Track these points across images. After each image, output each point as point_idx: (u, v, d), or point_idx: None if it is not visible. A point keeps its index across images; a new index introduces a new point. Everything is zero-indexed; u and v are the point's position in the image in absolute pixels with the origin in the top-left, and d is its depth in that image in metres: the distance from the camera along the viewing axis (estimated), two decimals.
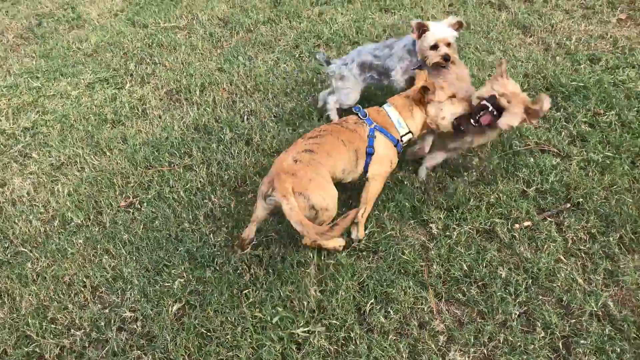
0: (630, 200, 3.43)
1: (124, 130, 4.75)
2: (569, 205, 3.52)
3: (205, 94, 5.05)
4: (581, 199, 3.51)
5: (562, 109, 4.28)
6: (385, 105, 3.54)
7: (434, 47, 3.75)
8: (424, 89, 3.38)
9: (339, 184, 3.25)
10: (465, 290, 3.12)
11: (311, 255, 3.37)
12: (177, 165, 4.30)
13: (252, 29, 6.04)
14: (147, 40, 6.06)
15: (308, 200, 3.03)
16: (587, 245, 3.27)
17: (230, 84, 5.16)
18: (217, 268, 3.40)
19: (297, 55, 5.44)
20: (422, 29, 3.78)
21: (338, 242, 3.39)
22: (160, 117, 4.86)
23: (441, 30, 3.76)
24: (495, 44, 5.14)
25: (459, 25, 3.82)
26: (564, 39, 5.07)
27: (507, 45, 5.09)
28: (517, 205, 3.53)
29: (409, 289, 3.14)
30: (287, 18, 6.03)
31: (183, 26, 6.30)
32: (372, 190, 3.42)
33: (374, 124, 3.39)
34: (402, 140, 3.45)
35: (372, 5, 6.05)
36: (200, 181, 4.10)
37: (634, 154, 3.80)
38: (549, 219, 3.47)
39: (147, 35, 6.17)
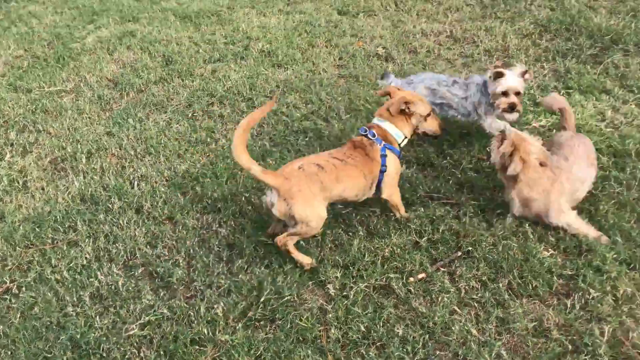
0: (515, 245, 3.55)
1: (2, 207, 4.41)
2: (459, 253, 3.60)
3: (93, 161, 4.83)
4: (470, 247, 3.60)
5: (448, 157, 4.42)
6: (377, 120, 3.82)
7: (505, 93, 4.07)
8: (406, 103, 3.70)
9: None
10: (364, 353, 3.07)
11: (206, 332, 3.22)
12: (60, 241, 4.03)
13: (143, 89, 5.89)
14: (31, 106, 5.76)
15: (290, 208, 3.33)
16: (479, 294, 3.33)
17: (120, 149, 4.97)
18: (104, 355, 3.16)
19: (190, 115, 5.34)
20: (498, 75, 4.08)
21: (307, 260, 3.58)
22: (43, 189, 4.58)
23: (513, 79, 4.05)
24: None
25: (524, 74, 4.11)
26: None
27: None
28: (410, 258, 3.56)
29: (308, 358, 3.05)
30: (179, 77, 5.94)
31: (70, 89, 6.06)
32: (395, 200, 3.80)
33: (383, 143, 3.68)
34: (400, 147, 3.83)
35: (265, 61, 6.09)
36: (85, 257, 3.86)
37: None
38: (442, 269, 3.52)
39: (30, 101, 5.87)
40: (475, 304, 3.29)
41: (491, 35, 6.03)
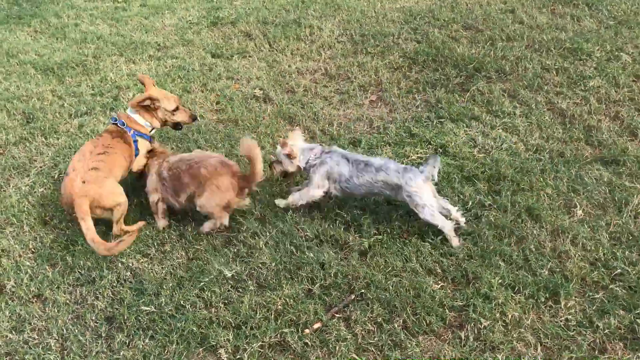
0: (406, 282, 3.54)
1: None
2: (353, 296, 3.53)
3: None
4: (363, 289, 3.54)
5: (334, 197, 4.38)
6: (129, 111, 4.48)
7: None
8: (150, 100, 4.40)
9: None
10: None
11: None
12: None
13: (1, 151, 5.36)
14: None
15: (104, 207, 3.98)
16: (376, 337, 3.27)
17: None
18: None
19: (56, 176, 4.91)
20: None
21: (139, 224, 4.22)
22: None
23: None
24: (264, 137, 5.18)
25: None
26: (327, 125, 5.31)
27: (276, 138, 5.16)
28: (304, 308, 3.44)
29: None
30: (42, 135, 5.48)
31: None
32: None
33: (132, 130, 4.40)
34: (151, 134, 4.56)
35: None
36: None
37: (402, 231, 3.99)
38: (337, 316, 3.42)
39: None
40: (373, 349, 3.22)
41: (364, 70, 6.17)
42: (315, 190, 4.12)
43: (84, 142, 5.25)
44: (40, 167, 5.06)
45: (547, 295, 3.40)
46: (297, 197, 4.20)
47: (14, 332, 3.50)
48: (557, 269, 3.57)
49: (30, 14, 8.46)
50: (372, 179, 3.91)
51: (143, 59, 6.85)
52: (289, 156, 4.16)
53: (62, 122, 5.67)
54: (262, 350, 3.22)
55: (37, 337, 3.47)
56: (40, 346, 3.40)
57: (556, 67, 5.71)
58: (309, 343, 3.25)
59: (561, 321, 3.26)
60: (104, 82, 6.36)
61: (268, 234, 4.06)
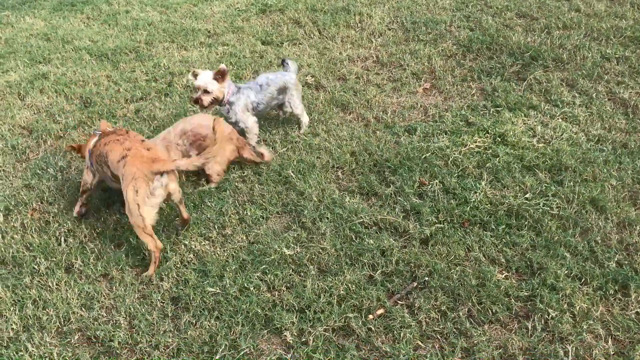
0: (470, 270, 3.52)
1: None
2: (415, 284, 3.52)
3: (11, 219, 4.41)
4: (426, 277, 3.53)
5: (391, 184, 4.38)
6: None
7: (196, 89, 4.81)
8: None
9: None
10: None
11: None
12: None
13: (61, 135, 5.50)
14: None
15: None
16: (441, 325, 3.26)
17: (41, 202, 4.58)
18: None
19: None
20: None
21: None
22: None
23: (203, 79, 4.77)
24: (318, 124, 5.20)
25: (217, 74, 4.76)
26: (381, 112, 5.29)
27: (330, 125, 5.17)
28: (367, 294, 3.45)
29: None
30: (100, 119, 5.59)
31: None
32: None
33: None
34: None
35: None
36: (12, 328, 3.48)
37: (462, 220, 3.97)
38: (400, 302, 3.42)
39: None
40: (438, 336, 3.21)
41: (416, 58, 6.11)
42: (252, 123, 4.88)
43: (141, 126, 5.37)
44: None
45: (616, 287, 3.33)
46: (251, 138, 4.87)
47: (84, 308, 3.60)
48: (626, 262, 3.49)
49: (82, 1, 8.64)
50: (270, 93, 4.90)
51: (194, 45, 6.93)
52: (222, 77, 4.72)
53: (119, 107, 5.78)
54: (326, 334, 3.25)
55: (105, 314, 3.57)
56: (110, 323, 3.49)
57: (617, 56, 5.56)
58: (373, 329, 3.26)
59: (632, 314, 3.19)
60: (157, 68, 6.46)
61: (327, 219, 4.08)
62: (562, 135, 4.65)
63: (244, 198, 4.43)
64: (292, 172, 4.59)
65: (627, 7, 6.44)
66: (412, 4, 7.33)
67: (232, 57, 6.55)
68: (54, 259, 3.98)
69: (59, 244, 4.13)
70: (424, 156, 4.60)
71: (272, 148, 4.93)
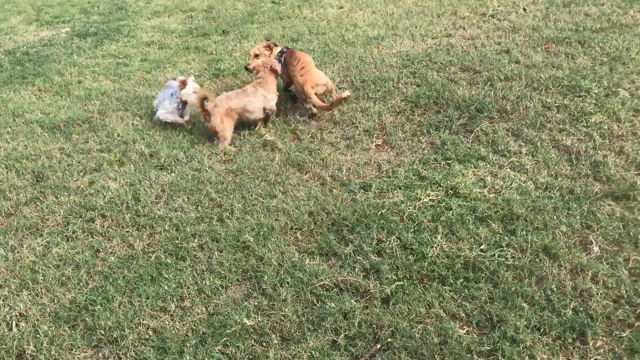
0: (432, 328, 3.53)
1: None
2: (379, 345, 3.51)
3: None
4: (389, 338, 3.52)
5: (350, 243, 4.40)
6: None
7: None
8: None
9: None
10: None
11: None
12: None
13: (12, 212, 5.37)
14: None
15: None
16: None
17: None
18: None
19: (69, 235, 4.91)
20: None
21: None
22: None
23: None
24: (275, 186, 5.23)
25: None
26: (336, 171, 5.37)
27: (287, 186, 5.21)
28: None
29: None
30: (53, 194, 5.50)
31: None
32: None
33: None
34: None
35: (147, 165, 5.84)
36: None
37: (421, 275, 4.00)
38: None
39: None
40: None
41: (367, 115, 6.27)
42: None
43: (95, 199, 5.30)
44: (53, 226, 5.07)
45: (574, 335, 3.39)
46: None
47: None
48: (581, 308, 3.57)
49: (34, 73, 8.59)
50: None
51: (147, 113, 6.94)
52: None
53: (72, 180, 5.70)
54: None
55: None
56: None
57: (557, 104, 5.83)
58: None
59: None
60: (111, 138, 6.42)
61: (287, 284, 4.06)
62: (511, 184, 4.80)
63: (202, 267, 4.37)
64: (250, 236, 4.58)
65: (562, 58, 6.80)
66: (361, 63, 7.57)
67: (188, 123, 6.58)
68: (4, 346, 3.81)
69: (10, 330, 3.97)
70: (380, 212, 4.67)
71: (230, 213, 4.92)
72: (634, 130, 5.27)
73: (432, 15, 9.12)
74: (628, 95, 5.79)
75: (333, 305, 3.80)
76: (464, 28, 8.37)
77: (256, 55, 6.75)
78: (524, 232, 4.23)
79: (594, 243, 4.08)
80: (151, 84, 7.80)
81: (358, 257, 4.24)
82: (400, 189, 5.00)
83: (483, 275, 3.92)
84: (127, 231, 4.89)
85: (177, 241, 4.67)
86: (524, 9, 8.74)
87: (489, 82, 6.50)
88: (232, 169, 5.62)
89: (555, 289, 3.74)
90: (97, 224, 5.01)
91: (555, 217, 4.36)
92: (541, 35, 7.57)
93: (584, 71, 6.39)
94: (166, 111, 6.53)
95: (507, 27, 8.09)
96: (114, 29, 10.61)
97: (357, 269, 4.14)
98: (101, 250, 4.71)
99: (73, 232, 4.94)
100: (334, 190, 5.09)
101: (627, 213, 4.31)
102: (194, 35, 9.82)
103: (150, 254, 4.59)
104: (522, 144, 5.35)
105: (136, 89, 7.68)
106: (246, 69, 6.80)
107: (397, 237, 4.39)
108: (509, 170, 5.00)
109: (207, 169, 5.64)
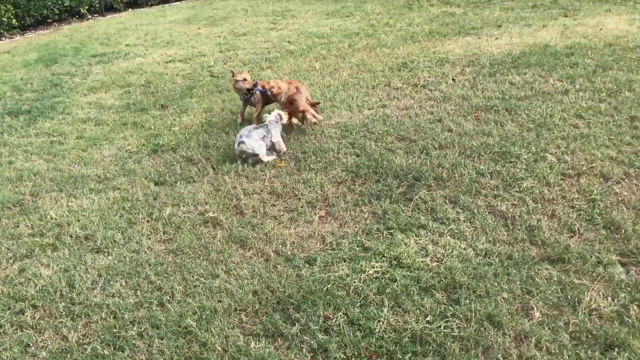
0: None
1: None
2: None
3: None
4: None
5: (296, 322, 4.31)
6: None
7: None
8: None
9: None
10: None
11: None
12: None
13: None
14: None
15: None
16: None
17: None
18: None
19: None
20: None
21: None
22: None
23: None
24: (217, 265, 5.11)
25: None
26: (280, 245, 5.32)
27: (230, 264, 5.10)
28: None
29: None
30: None
31: None
32: None
33: None
34: None
35: (82, 248, 5.60)
36: None
37: (370, 352, 3.94)
38: None
39: None
40: None
41: (309, 186, 6.31)
42: None
43: (26, 288, 5.01)
44: None
45: None
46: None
47: None
48: None
49: None
50: None
51: (84, 193, 6.74)
52: None
53: (0, 268, 5.38)
54: None
55: None
56: None
57: (490, 171, 6.07)
58: None
59: None
60: (44, 221, 6.16)
61: None
62: (452, 252, 4.88)
63: (142, 357, 4.15)
64: (192, 320, 4.41)
65: (492, 125, 7.15)
66: (301, 134, 7.69)
67: (125, 201, 6.43)
68: None
69: None
70: (326, 288, 4.62)
71: (171, 296, 4.75)
72: (563, 193, 5.53)
73: (367, 87, 9.46)
74: (555, 159, 6.10)
75: None
76: (397, 98, 8.71)
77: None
78: (468, 301, 4.27)
79: (535, 308, 4.16)
80: (87, 162, 7.62)
81: (305, 337, 4.15)
82: (345, 261, 4.99)
83: (430, 348, 3.90)
84: (61, 322, 4.62)
85: (114, 330, 4.45)
86: (453, 79, 9.21)
87: (425, 151, 6.71)
88: (172, 248, 5.48)
89: (501, 358, 3.75)
90: (27, 316, 4.71)
91: (496, 284, 4.43)
92: (470, 104, 7.97)
93: (512, 138, 6.72)
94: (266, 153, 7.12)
95: (438, 97, 8.47)
96: (48, 106, 10.42)
97: (304, 349, 4.04)
98: (31, 344, 4.41)
99: (0, 327, 4.62)
100: (279, 267, 5.02)
101: (563, 276, 4.44)
102: (131, 110, 9.77)
103: (86, 346, 4.33)
104: (459, 210, 5.50)
105: (71, 167, 7.48)
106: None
107: (343, 313, 4.33)
108: (449, 237, 5.10)
109: (145, 249, 5.48)
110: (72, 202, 6.57)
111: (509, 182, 5.83)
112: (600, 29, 11.55)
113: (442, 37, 12.57)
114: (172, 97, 10.25)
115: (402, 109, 8.24)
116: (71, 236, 5.82)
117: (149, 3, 24.81)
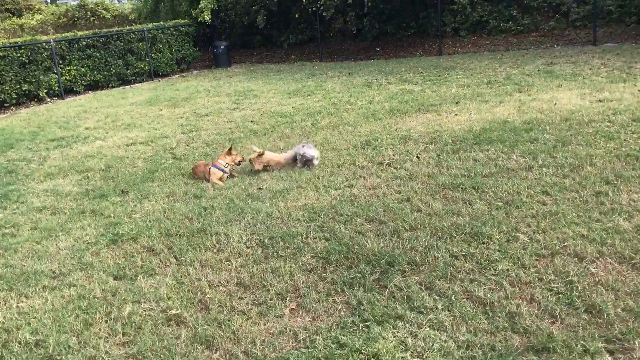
0: None
1: None
2: None
3: None
4: None
5: None
6: None
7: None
8: None
9: None
10: None
11: None
12: None
13: None
14: None
15: None
16: None
17: None
18: None
19: None
20: None
21: None
22: None
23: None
24: None
25: None
26: (249, 345, 4.96)
27: None
28: None
29: None
30: None
31: None
32: None
33: None
34: None
35: (31, 357, 5.11)
36: None
37: None
38: None
39: None
40: None
41: (278, 276, 6.03)
42: None
43: None
44: None
45: None
46: None
47: None
48: None
49: None
50: None
51: (36, 291, 6.28)
52: None
53: None
54: None
55: None
56: None
57: (463, 253, 5.93)
58: None
59: None
60: None
61: None
62: (433, 345, 4.63)
63: None
64: None
65: (461, 204, 7.10)
66: (268, 218, 7.48)
67: (81, 299, 5.99)
68: None
69: None
70: None
71: None
72: (539, 275, 5.40)
73: (333, 166, 9.41)
74: (527, 239, 6.03)
75: None
76: (364, 177, 8.66)
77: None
78: None
79: None
80: (41, 256, 7.18)
81: None
82: None
83: None
84: None
85: None
86: (418, 157, 9.26)
87: (396, 233, 6.57)
88: (132, 352, 5.05)
89: None
90: None
91: None
92: (437, 182, 7.95)
93: (482, 217, 6.65)
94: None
95: (404, 175, 8.45)
96: (1, 195, 9.98)
97: None
98: None
99: None
100: None
101: None
102: (90, 197, 9.42)
103: None
104: (436, 297, 5.29)
105: (24, 263, 7.02)
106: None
107: None
108: (428, 329, 4.86)
109: (103, 355, 5.03)
110: (22, 302, 6.09)
111: (483, 265, 5.69)
112: (555, 104, 11.96)
113: (403, 114, 12.81)
114: (133, 182, 9.97)
115: (369, 189, 8.16)
116: (20, 343, 5.33)
117: (110, 85, 24.79)
